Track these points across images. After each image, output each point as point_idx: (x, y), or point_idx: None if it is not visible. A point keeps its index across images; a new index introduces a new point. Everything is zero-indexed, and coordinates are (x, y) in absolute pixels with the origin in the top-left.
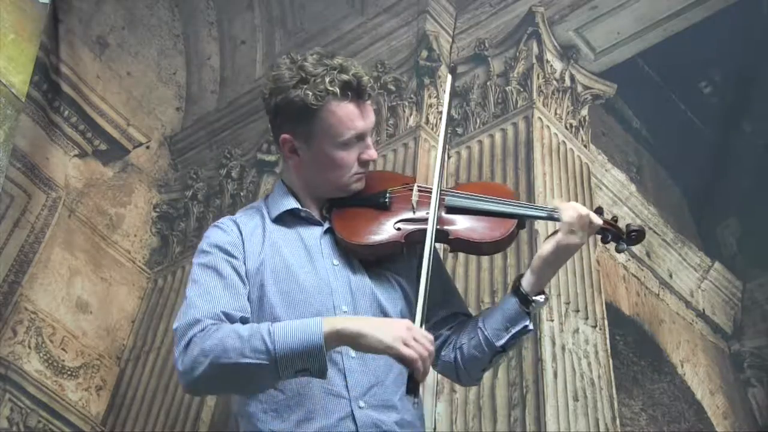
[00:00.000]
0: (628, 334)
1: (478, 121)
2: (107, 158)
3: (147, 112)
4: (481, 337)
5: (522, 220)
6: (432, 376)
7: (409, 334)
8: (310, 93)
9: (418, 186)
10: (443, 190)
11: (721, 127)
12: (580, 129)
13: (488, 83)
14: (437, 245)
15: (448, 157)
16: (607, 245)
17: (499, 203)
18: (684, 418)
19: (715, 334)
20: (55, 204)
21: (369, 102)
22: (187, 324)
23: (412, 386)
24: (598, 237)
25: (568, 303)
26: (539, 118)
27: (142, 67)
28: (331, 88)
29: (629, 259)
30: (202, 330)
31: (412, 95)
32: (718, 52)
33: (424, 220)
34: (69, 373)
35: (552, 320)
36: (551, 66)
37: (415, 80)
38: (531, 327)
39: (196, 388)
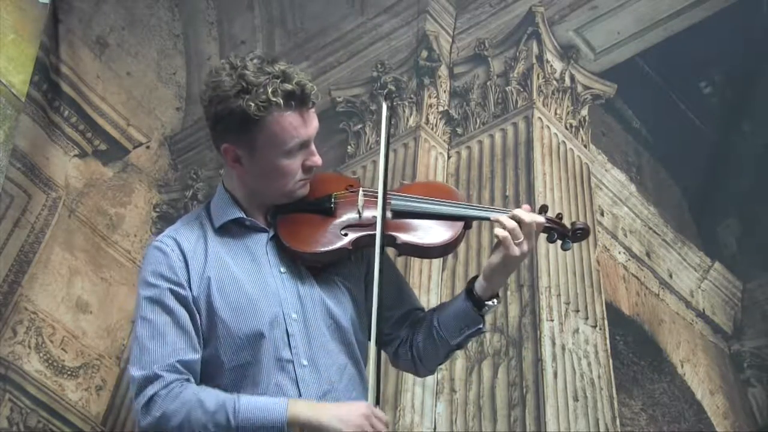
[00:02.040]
0: (628, 334)
1: (478, 121)
2: (107, 158)
3: (147, 112)
4: (435, 336)
5: (469, 222)
6: (432, 375)
7: (367, 422)
8: (252, 104)
9: (363, 189)
10: (389, 194)
11: (721, 127)
12: (580, 129)
13: (488, 83)
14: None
15: (448, 157)
16: (552, 244)
17: (445, 205)
18: (684, 418)
19: (715, 334)
20: (55, 204)
21: (313, 109)
22: (146, 378)
23: None
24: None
25: (568, 303)
26: (539, 118)
27: (142, 67)
28: (273, 99)
29: (629, 259)
30: (165, 387)
31: (412, 95)
32: (718, 52)
33: (371, 225)
34: (69, 373)
35: (552, 320)
36: (551, 66)
37: (415, 80)
38: (485, 329)
39: None
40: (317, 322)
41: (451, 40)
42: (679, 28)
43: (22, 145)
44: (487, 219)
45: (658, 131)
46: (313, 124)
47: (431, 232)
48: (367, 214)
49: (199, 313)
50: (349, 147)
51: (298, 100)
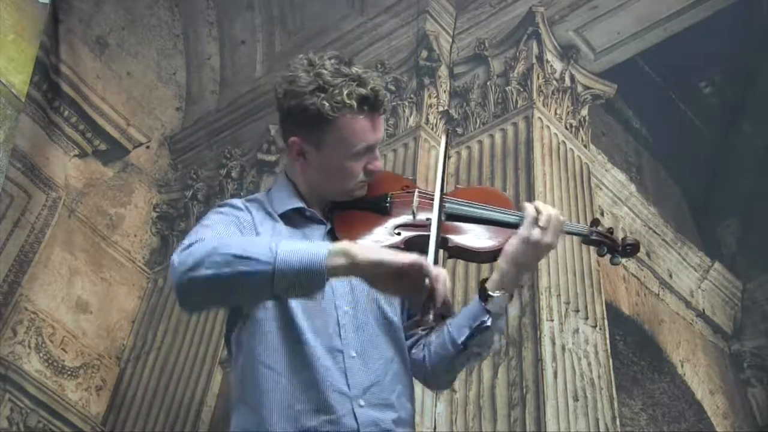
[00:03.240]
0: (628, 334)
1: (478, 121)
2: (107, 158)
3: (147, 112)
4: (446, 335)
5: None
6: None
7: (419, 262)
8: (327, 104)
9: (419, 191)
10: (444, 197)
11: (721, 127)
12: (580, 129)
13: (488, 83)
14: None
15: (448, 157)
16: (602, 258)
17: (498, 212)
18: (684, 418)
19: (715, 334)
20: (55, 204)
21: (383, 115)
22: (189, 240)
23: (434, 314)
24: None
25: (568, 303)
26: (539, 118)
27: (142, 67)
28: (348, 101)
29: (629, 259)
30: (203, 240)
31: (412, 95)
32: (718, 52)
33: (424, 226)
34: (69, 373)
35: (552, 320)
36: (551, 66)
37: (415, 80)
38: (488, 323)
39: (188, 287)
40: (367, 316)
41: (451, 40)
42: (679, 28)
43: (22, 145)
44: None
45: (658, 131)
46: (381, 129)
47: (482, 237)
48: (421, 215)
49: None
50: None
51: (371, 105)
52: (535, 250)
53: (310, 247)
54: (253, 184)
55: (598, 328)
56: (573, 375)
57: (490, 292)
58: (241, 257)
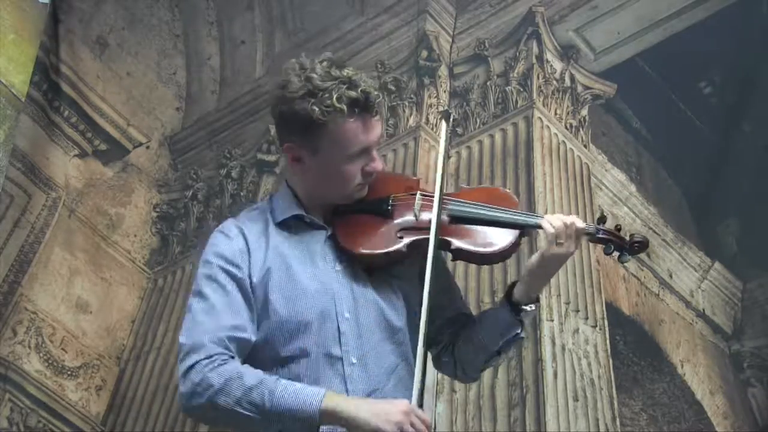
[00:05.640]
0: (628, 334)
1: (478, 121)
2: (107, 158)
3: (147, 112)
4: (476, 342)
5: (525, 230)
6: (432, 376)
7: (406, 419)
8: (317, 108)
9: (421, 192)
10: (446, 198)
11: (721, 127)
12: (580, 129)
13: (488, 83)
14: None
15: (448, 157)
16: (609, 256)
17: (502, 212)
18: (684, 418)
19: (715, 334)
20: (55, 204)
21: (377, 117)
22: (192, 346)
23: None
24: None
25: (568, 303)
26: (539, 118)
27: (142, 67)
28: (338, 105)
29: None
30: (208, 358)
31: (412, 95)
32: (718, 52)
33: (427, 229)
34: (69, 373)
35: (552, 320)
36: (551, 66)
37: (415, 80)
38: (522, 335)
39: (190, 414)
40: (369, 322)
41: (451, 40)
42: (679, 28)
43: (22, 145)
44: (534, 227)
45: (658, 131)
46: (376, 131)
47: (487, 239)
48: (424, 217)
49: (256, 301)
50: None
51: (362, 107)
52: (559, 261)
53: (305, 396)
54: (253, 184)
55: (598, 328)
56: (573, 375)
57: (524, 306)
58: (232, 412)
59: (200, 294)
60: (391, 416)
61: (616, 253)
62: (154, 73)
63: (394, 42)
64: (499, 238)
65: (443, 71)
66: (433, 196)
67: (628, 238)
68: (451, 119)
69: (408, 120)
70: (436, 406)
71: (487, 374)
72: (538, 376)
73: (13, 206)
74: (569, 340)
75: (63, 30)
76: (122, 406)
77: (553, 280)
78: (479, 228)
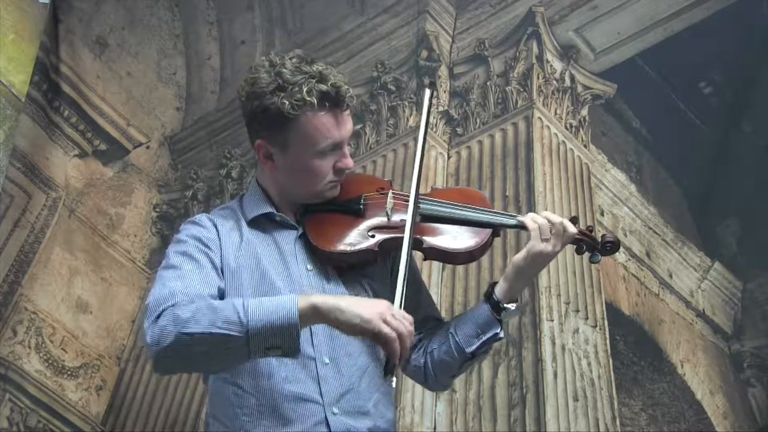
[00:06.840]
0: (628, 334)
1: (478, 121)
2: (107, 158)
3: (147, 112)
4: (451, 343)
5: (497, 229)
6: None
7: (388, 311)
8: (287, 102)
9: (393, 192)
10: (419, 197)
11: (721, 128)
12: (580, 129)
13: (488, 83)
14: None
15: (448, 157)
16: (581, 256)
17: (474, 211)
18: (684, 418)
19: (715, 334)
20: (55, 204)
21: (347, 111)
22: (160, 297)
23: (390, 367)
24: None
25: (568, 303)
26: (539, 118)
27: (142, 67)
28: (308, 98)
29: (629, 259)
30: (174, 304)
31: (412, 95)
32: (718, 52)
33: (398, 228)
34: (69, 373)
35: (552, 320)
36: (551, 66)
37: (415, 80)
38: (501, 335)
39: (163, 361)
40: None
41: (451, 40)
42: (679, 28)
43: (22, 145)
44: (515, 227)
45: (658, 131)
46: (347, 126)
47: (458, 238)
48: (396, 216)
49: (225, 283)
50: (348, 147)
51: (333, 101)
52: (544, 259)
53: (279, 302)
54: None
55: (598, 328)
56: (573, 375)
57: (503, 305)
58: (208, 335)
59: (171, 266)
60: (374, 307)
61: (587, 254)
62: (154, 73)
63: (394, 42)
64: (471, 237)
65: (443, 71)
66: (405, 196)
67: (599, 238)
68: (434, 93)
69: (408, 120)
70: (436, 406)
71: (487, 374)
72: (538, 376)
73: (13, 206)
74: (569, 340)
75: (63, 30)
76: (122, 406)
77: (553, 280)
78: (451, 227)
